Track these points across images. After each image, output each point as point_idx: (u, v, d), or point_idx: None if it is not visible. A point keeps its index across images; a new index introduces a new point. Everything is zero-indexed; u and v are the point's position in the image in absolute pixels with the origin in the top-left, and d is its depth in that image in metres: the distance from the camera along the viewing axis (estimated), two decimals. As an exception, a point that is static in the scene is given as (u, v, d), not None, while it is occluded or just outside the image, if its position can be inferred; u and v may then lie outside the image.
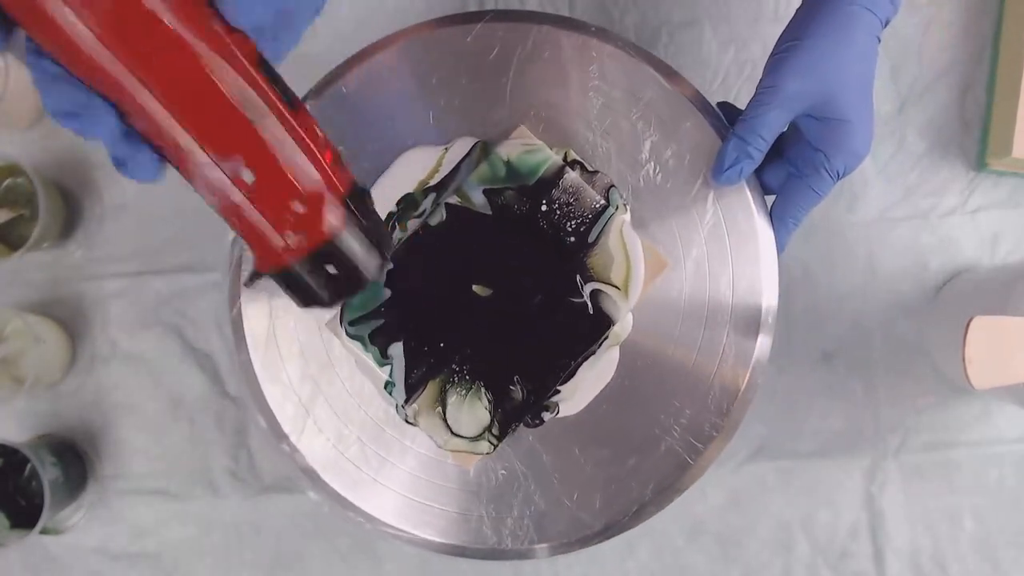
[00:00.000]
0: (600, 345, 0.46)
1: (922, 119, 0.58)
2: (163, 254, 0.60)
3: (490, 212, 0.46)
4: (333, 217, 0.30)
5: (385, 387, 0.47)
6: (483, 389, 0.46)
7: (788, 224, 0.46)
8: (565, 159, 0.46)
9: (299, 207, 0.30)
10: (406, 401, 0.46)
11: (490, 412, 0.46)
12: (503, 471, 0.47)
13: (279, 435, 0.47)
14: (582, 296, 0.46)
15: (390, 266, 0.46)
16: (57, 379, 0.60)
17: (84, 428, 0.60)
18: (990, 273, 0.57)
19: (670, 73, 0.47)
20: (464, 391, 0.46)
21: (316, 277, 0.31)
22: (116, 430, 0.60)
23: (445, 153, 0.47)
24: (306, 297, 0.32)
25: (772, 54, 0.44)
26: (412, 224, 0.47)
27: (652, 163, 0.47)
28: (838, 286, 0.58)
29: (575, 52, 0.47)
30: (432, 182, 0.47)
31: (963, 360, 0.43)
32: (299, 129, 0.29)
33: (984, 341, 0.43)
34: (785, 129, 0.45)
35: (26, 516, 0.55)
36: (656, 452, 0.46)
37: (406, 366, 0.46)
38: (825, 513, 0.58)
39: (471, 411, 0.46)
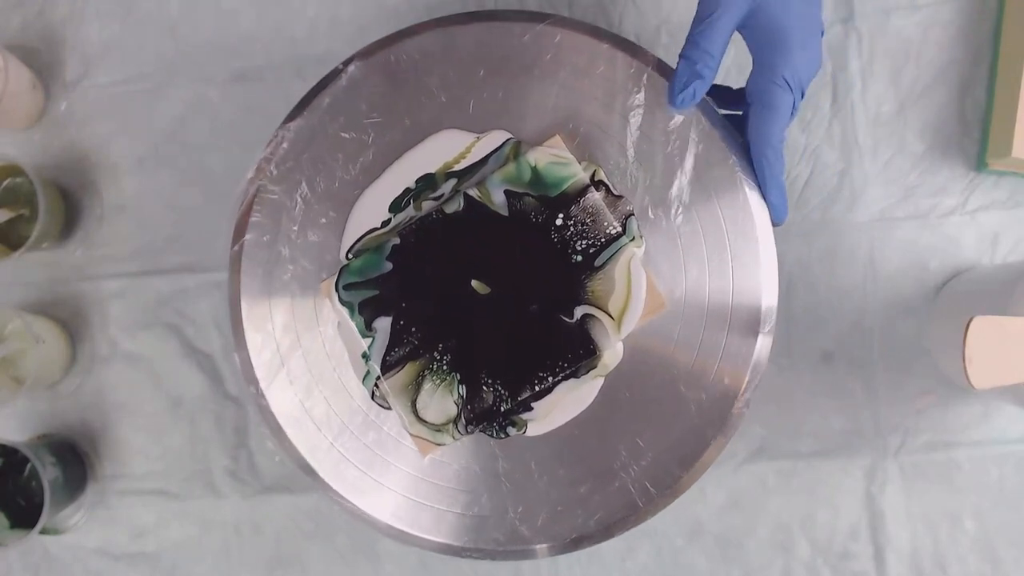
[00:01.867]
0: (586, 371, 0.46)
1: (922, 119, 0.58)
2: (163, 254, 0.60)
3: (506, 213, 0.46)
4: None
5: (362, 356, 0.47)
6: (458, 383, 0.46)
7: (768, 156, 0.45)
8: (593, 177, 0.46)
9: None
10: (379, 377, 0.46)
11: (459, 407, 0.46)
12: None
13: (250, 378, 0.48)
14: (573, 317, 0.46)
15: (397, 240, 0.46)
16: (57, 379, 0.60)
17: (84, 428, 0.60)
18: (990, 273, 0.57)
19: (714, 117, 0.47)
20: (439, 380, 0.46)
21: None
22: (116, 430, 0.60)
23: (476, 142, 0.47)
24: None
25: None
26: (427, 205, 0.47)
27: (677, 204, 0.47)
28: (838, 286, 0.58)
29: (628, 76, 0.47)
30: (457, 167, 0.47)
31: (963, 360, 0.43)
32: None
33: (984, 341, 0.43)
34: (728, 38, 0.44)
35: (26, 516, 0.56)
36: (610, 486, 0.46)
37: (389, 343, 0.46)
38: (825, 513, 0.58)
39: (441, 401, 0.46)
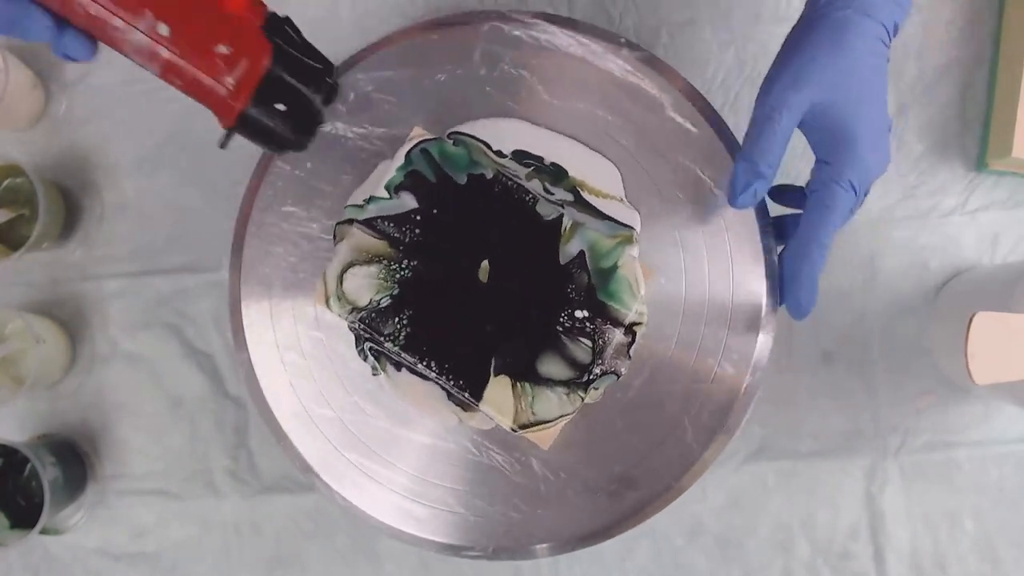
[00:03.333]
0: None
1: (922, 119, 0.58)
2: (163, 254, 0.60)
3: (562, 263, 0.46)
4: (260, 51, 0.32)
5: (369, 198, 0.47)
6: (390, 295, 0.46)
7: (812, 254, 0.43)
8: (631, 326, 0.46)
9: (223, 49, 0.31)
10: (358, 221, 0.46)
11: (368, 305, 0.46)
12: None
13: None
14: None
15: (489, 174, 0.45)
16: (57, 379, 0.60)
17: (84, 428, 0.60)
18: (990, 273, 0.57)
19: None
20: (382, 276, 0.46)
21: (271, 117, 0.33)
22: (116, 430, 0.60)
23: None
24: (273, 141, 0.34)
25: (769, 70, 0.43)
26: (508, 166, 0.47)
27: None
28: (838, 286, 0.58)
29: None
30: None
31: (965, 355, 0.43)
32: None
33: (986, 336, 0.43)
34: (789, 138, 0.43)
35: (26, 516, 0.56)
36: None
37: (397, 215, 0.46)
38: (825, 513, 0.58)
39: (366, 287, 0.46)
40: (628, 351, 0.46)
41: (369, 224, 0.46)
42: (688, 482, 0.46)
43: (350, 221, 0.46)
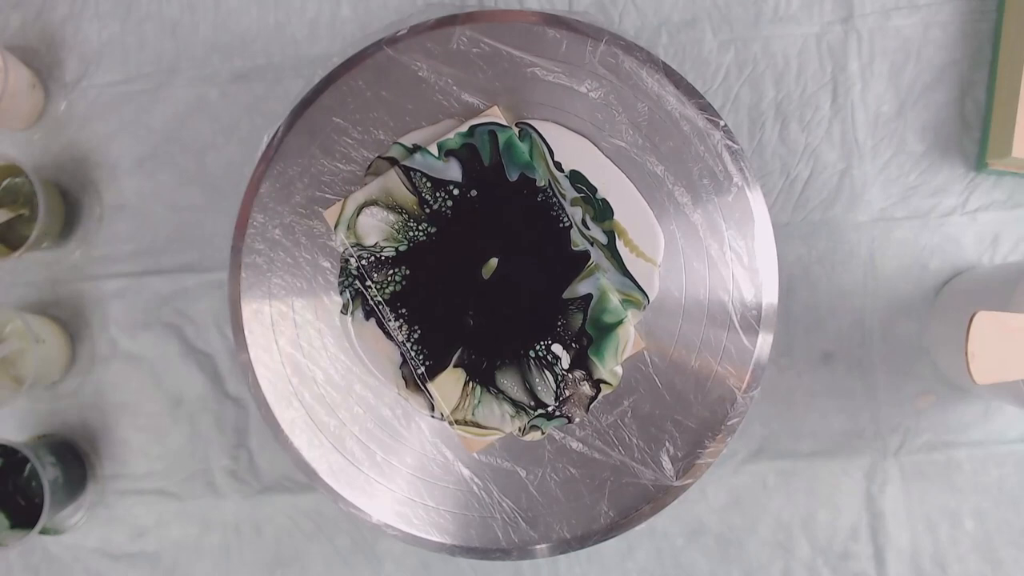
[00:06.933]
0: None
1: (922, 119, 0.58)
2: (163, 254, 0.60)
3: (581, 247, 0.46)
4: None
5: (390, 157, 0.48)
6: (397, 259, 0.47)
7: None
8: (599, 383, 0.47)
9: None
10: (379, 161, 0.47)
11: (360, 256, 0.47)
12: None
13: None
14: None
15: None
16: (57, 379, 0.60)
17: (84, 428, 0.60)
18: (990, 273, 0.57)
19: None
20: (397, 229, 0.47)
21: None
22: (116, 430, 0.60)
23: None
24: None
25: None
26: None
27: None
28: (838, 286, 0.58)
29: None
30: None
31: (965, 354, 0.43)
32: None
33: (987, 336, 0.43)
34: None
35: (26, 516, 0.56)
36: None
37: (425, 180, 0.47)
38: (825, 513, 0.58)
39: (375, 228, 0.47)
40: (588, 405, 0.46)
41: (407, 173, 0.46)
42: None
43: (392, 161, 0.46)
